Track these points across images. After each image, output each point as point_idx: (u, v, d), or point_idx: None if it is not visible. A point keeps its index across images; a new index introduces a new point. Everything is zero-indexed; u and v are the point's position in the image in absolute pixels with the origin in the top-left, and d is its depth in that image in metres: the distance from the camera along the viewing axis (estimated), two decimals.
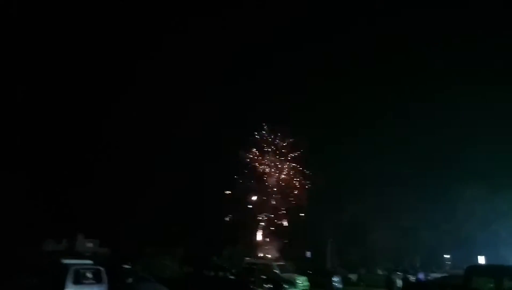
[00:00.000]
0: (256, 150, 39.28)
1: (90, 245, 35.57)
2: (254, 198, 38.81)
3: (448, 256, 46.02)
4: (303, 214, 39.64)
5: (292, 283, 20.81)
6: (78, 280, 11.56)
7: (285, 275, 22.16)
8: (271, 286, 18.15)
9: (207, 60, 51.42)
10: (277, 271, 22.56)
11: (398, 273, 23.57)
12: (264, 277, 19.57)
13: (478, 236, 39.60)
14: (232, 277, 18.03)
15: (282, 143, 39.83)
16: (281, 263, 26.64)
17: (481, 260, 34.47)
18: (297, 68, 55.02)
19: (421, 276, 23.53)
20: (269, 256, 34.67)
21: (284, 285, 19.66)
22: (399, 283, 20.90)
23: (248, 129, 40.28)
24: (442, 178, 43.09)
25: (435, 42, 54.04)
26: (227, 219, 37.68)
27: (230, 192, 38.00)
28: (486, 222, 39.54)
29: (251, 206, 38.73)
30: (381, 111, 52.39)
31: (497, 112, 43.90)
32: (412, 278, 21.85)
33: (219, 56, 53.63)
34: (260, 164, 39.34)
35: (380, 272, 30.80)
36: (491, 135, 42.95)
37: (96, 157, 36.81)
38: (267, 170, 39.42)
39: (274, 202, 39.17)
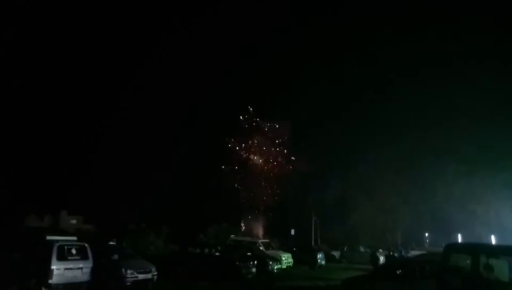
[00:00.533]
0: (240, 135, 39.11)
1: (74, 221, 35.34)
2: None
3: (427, 235, 47.69)
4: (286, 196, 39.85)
5: (277, 260, 21.15)
6: (63, 256, 11.55)
7: (270, 252, 22.53)
8: (256, 262, 18.42)
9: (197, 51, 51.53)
10: (262, 248, 22.90)
11: (380, 250, 24.35)
12: (249, 254, 19.86)
13: (456, 216, 40.93)
14: (217, 254, 18.23)
15: (267, 126, 39.61)
16: (266, 240, 27.04)
17: (459, 238, 35.78)
18: (283, 55, 54.88)
19: (402, 253, 24.38)
20: (255, 233, 35.12)
21: (268, 262, 20.02)
22: (382, 259, 21.57)
23: (233, 114, 40.39)
24: (423, 159, 44.07)
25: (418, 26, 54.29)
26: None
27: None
28: (464, 202, 40.81)
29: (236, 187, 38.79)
30: (364, 94, 52.98)
31: (477, 96, 44.80)
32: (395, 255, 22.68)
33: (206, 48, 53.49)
34: (245, 150, 39.22)
35: (362, 249, 31.65)
36: (470, 119, 43.97)
37: (81, 132, 36.30)
38: (252, 156, 39.34)
39: (258, 192, 39.13)
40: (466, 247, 10.55)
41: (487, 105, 43.06)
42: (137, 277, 13.46)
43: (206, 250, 18.56)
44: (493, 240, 33.05)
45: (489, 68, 42.55)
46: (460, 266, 9.20)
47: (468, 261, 8.84)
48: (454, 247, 10.74)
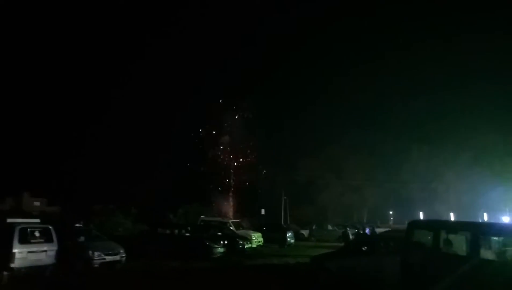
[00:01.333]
0: (211, 124, 38.95)
1: (37, 204, 34.19)
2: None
3: (391, 212, 49.74)
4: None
5: (247, 239, 21.39)
6: (25, 239, 11.14)
7: (240, 232, 22.72)
8: (226, 242, 18.56)
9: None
10: (232, 228, 23.06)
11: (348, 228, 25.19)
12: (220, 233, 19.95)
13: (418, 194, 42.86)
14: (187, 234, 18.18)
15: (238, 114, 39.50)
16: (236, 220, 27.23)
17: (421, 215, 37.54)
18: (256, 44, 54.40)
19: (367, 230, 25.37)
20: (225, 213, 35.27)
21: (239, 241, 20.22)
22: (351, 237, 22.39)
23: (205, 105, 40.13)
24: (388, 140, 45.56)
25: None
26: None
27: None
28: (426, 181, 42.70)
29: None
30: (332, 79, 53.71)
31: (439, 77, 46.40)
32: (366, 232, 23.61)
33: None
34: (215, 137, 39.14)
35: (330, 227, 32.54)
36: (434, 100, 45.67)
37: (46, 113, 34.75)
38: (221, 147, 39.35)
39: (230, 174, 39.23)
40: (427, 224, 11.01)
41: (449, 86, 44.82)
42: (104, 259, 13.23)
43: (176, 231, 18.44)
44: (452, 217, 34.93)
45: (453, 48, 43.99)
46: (422, 242, 9.61)
47: (429, 237, 9.21)
48: (416, 224, 11.17)
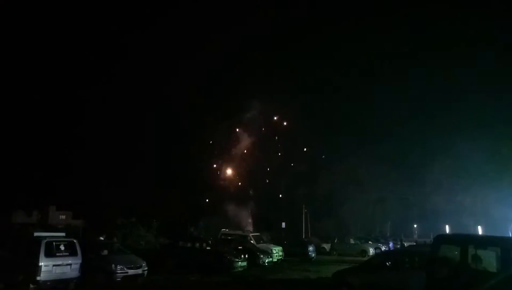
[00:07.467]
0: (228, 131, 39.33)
1: (63, 217, 34.94)
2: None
3: (416, 226, 48.42)
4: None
5: (268, 253, 21.23)
6: (51, 253, 11.40)
7: (261, 245, 22.55)
8: (247, 256, 18.47)
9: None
10: (253, 242, 22.93)
11: (370, 242, 24.67)
12: (240, 247, 19.88)
13: (443, 207, 41.58)
14: (208, 248, 18.20)
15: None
16: (257, 233, 27.06)
17: (447, 229, 36.32)
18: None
19: (391, 244, 24.80)
20: (245, 227, 35.13)
21: (259, 255, 20.08)
22: (372, 251, 21.89)
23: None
24: (411, 152, 44.63)
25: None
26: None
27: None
28: (451, 193, 41.42)
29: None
30: (354, 88, 53.24)
31: (461, 90, 45.43)
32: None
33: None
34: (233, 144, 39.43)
35: (352, 241, 31.88)
36: (457, 112, 44.63)
37: (69, 127, 35.71)
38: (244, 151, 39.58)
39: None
40: (455, 238, 10.64)
41: (472, 98, 43.73)
42: (127, 272, 13.37)
43: (197, 244, 18.50)
44: (480, 230, 33.66)
45: (475, 63, 43.15)
46: (449, 257, 9.29)
47: (457, 252, 8.91)
48: (443, 238, 10.82)
